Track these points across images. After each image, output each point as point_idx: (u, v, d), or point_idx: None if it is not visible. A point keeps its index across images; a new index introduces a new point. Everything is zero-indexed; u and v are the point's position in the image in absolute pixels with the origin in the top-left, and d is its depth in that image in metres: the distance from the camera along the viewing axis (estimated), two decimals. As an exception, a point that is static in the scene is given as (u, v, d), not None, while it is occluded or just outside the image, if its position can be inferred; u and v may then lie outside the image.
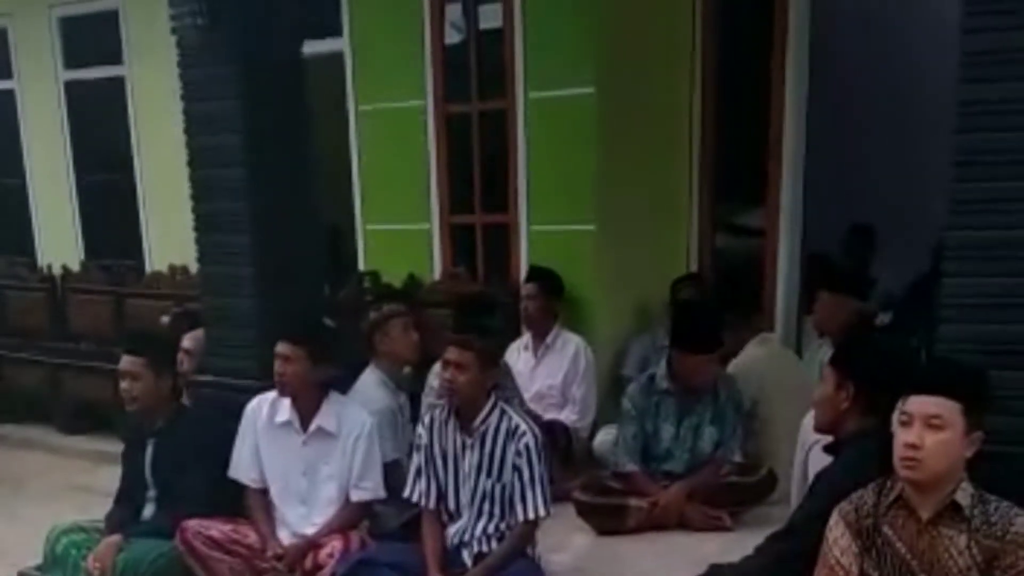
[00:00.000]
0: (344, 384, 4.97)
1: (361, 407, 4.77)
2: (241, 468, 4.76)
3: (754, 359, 5.63)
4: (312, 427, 4.64)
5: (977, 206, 3.43)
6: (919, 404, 3.03)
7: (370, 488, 4.64)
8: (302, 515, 4.67)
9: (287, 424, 4.67)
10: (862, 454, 3.42)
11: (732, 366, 5.52)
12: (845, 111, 7.76)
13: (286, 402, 4.66)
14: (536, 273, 6.44)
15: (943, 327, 3.55)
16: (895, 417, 3.11)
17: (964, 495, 3.05)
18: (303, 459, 4.67)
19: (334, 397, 4.71)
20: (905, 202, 7.79)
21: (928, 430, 3.00)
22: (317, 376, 4.60)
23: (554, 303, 6.34)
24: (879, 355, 3.75)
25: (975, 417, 3.02)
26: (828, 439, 3.73)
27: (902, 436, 3.04)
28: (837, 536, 3.20)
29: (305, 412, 4.65)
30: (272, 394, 4.71)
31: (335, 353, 4.76)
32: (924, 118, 6.82)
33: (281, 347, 4.55)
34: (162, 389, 4.79)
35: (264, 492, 4.75)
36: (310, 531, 4.58)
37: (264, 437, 4.73)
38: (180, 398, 5.00)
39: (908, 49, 7.98)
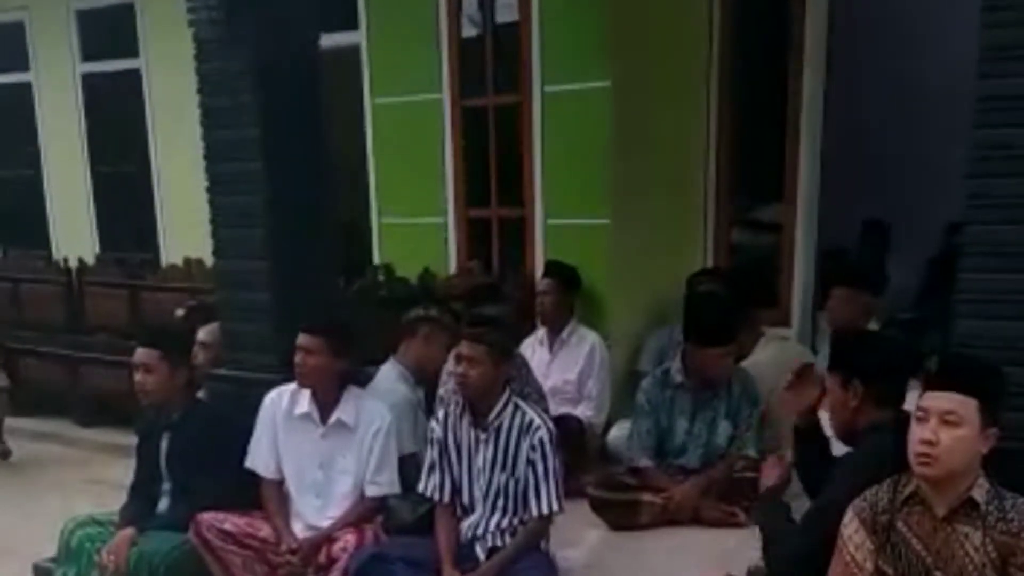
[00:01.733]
0: (359, 376, 4.98)
1: (380, 401, 4.77)
2: (258, 458, 4.74)
3: (767, 354, 5.61)
4: (331, 420, 4.63)
5: (994, 201, 3.41)
6: (935, 400, 3.01)
7: (385, 483, 4.63)
8: (317, 508, 4.66)
9: (306, 416, 4.66)
10: (879, 444, 3.39)
11: (746, 362, 5.49)
12: (863, 105, 7.73)
13: (306, 394, 4.65)
14: (553, 268, 6.42)
15: (959, 323, 3.54)
16: (913, 411, 3.10)
17: (980, 491, 3.02)
18: (320, 452, 4.66)
19: (354, 391, 4.70)
20: (923, 198, 7.75)
21: (944, 426, 2.97)
22: (337, 369, 4.60)
23: (570, 298, 6.32)
24: (875, 347, 3.73)
25: (991, 413, 3.00)
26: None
27: (918, 432, 3.02)
28: (851, 532, 3.18)
29: (324, 405, 4.65)
30: (292, 385, 4.69)
31: (356, 348, 4.76)
32: (942, 114, 6.78)
33: (302, 339, 4.54)
34: (177, 382, 4.78)
35: (279, 483, 4.74)
36: (324, 524, 4.57)
37: (282, 428, 4.71)
38: (195, 391, 5.02)
39: (927, 44, 7.94)
